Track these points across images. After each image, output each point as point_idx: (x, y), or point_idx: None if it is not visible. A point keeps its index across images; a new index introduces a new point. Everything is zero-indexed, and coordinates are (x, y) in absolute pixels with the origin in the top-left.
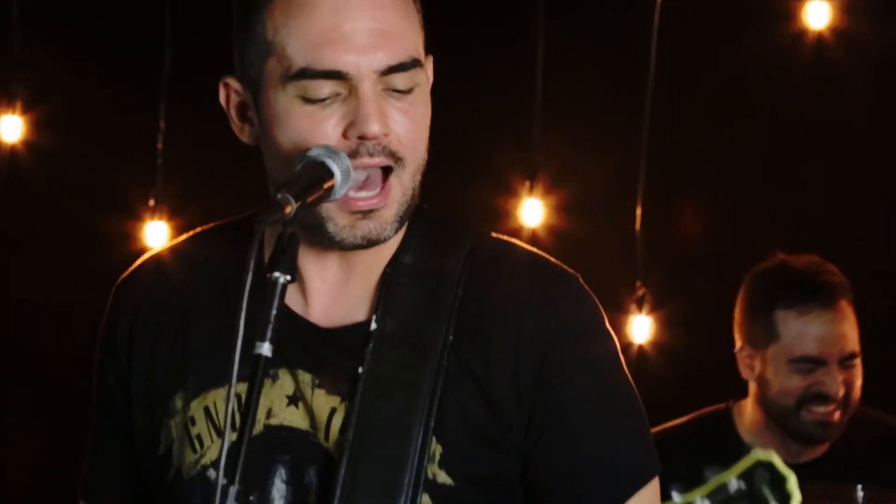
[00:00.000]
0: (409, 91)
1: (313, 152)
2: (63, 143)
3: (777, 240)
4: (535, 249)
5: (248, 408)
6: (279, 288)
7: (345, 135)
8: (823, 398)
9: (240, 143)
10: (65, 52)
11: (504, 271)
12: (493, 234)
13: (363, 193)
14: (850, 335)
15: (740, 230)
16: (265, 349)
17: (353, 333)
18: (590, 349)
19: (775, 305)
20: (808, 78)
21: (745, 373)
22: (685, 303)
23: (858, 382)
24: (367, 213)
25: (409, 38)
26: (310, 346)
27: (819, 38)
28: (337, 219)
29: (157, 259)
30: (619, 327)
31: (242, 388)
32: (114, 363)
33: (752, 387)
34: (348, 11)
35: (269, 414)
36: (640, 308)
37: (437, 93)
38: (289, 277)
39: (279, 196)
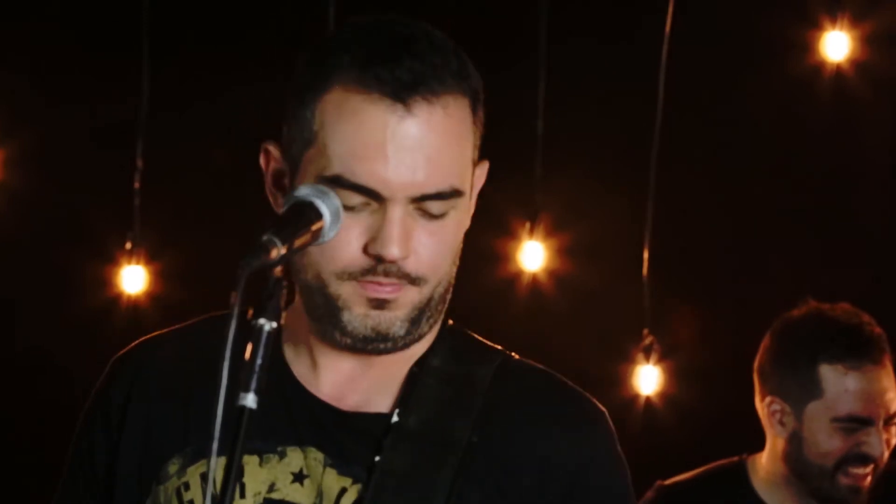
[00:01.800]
0: (441, 216)
1: (301, 192)
2: (34, 182)
3: (795, 286)
4: (562, 378)
5: (231, 460)
6: (265, 336)
7: (365, 249)
8: (864, 459)
9: (221, 182)
10: (36, 86)
11: (536, 393)
12: (519, 357)
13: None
14: (894, 393)
15: (756, 275)
16: (249, 400)
17: (372, 422)
18: (612, 489)
19: (819, 359)
20: (827, 114)
21: (773, 429)
22: (696, 352)
23: (891, 447)
24: (381, 303)
25: (455, 167)
26: (324, 426)
27: (838, 70)
28: (354, 307)
29: (161, 335)
30: (625, 378)
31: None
32: (103, 431)
33: (779, 443)
34: (396, 133)
35: (271, 488)
36: (647, 358)
37: None
38: (274, 324)
39: (264, 239)
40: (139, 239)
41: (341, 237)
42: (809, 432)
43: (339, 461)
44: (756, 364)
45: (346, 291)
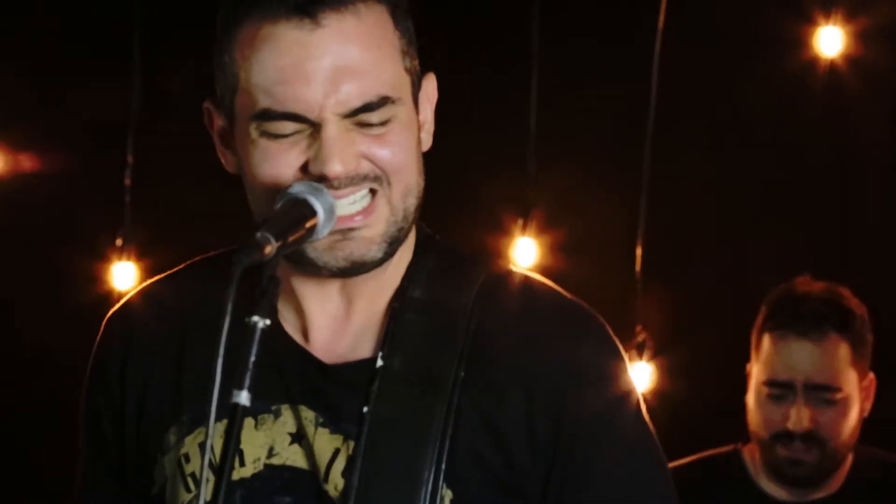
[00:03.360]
0: (383, 123)
1: (295, 189)
2: (24, 177)
3: (785, 281)
4: (552, 284)
5: (224, 457)
6: (258, 333)
7: (305, 168)
8: (789, 436)
9: (213, 179)
10: (27, 82)
11: (519, 308)
12: (507, 266)
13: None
14: (829, 367)
15: (749, 271)
16: (242, 398)
17: (358, 370)
18: (609, 399)
19: (765, 326)
20: (821, 109)
21: (747, 397)
22: (689, 349)
23: (840, 424)
24: (346, 233)
25: (380, 74)
26: (313, 382)
27: (832, 66)
28: (315, 241)
29: (150, 290)
30: None
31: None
32: (107, 400)
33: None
34: (309, 48)
35: (270, 452)
36: (640, 355)
37: None
38: (268, 322)
39: (258, 236)
40: (130, 236)
41: (281, 163)
42: (752, 396)
43: (330, 419)
44: None
45: None
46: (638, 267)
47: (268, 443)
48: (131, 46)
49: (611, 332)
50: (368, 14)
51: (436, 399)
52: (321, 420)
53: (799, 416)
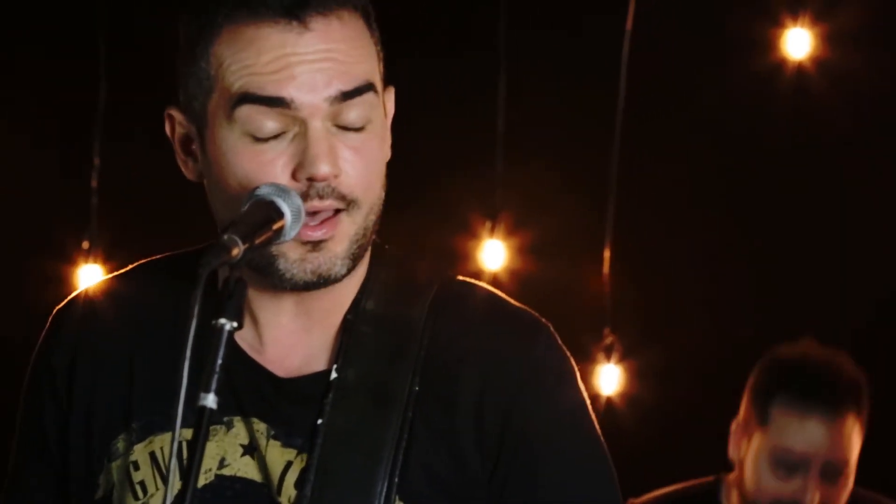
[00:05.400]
0: (361, 128)
1: (261, 191)
2: None
3: (758, 285)
4: (502, 295)
5: (191, 461)
6: (225, 336)
7: (294, 176)
8: None
9: (180, 181)
10: None
11: (470, 320)
12: (460, 278)
13: (313, 223)
14: (845, 447)
15: (716, 273)
16: (209, 401)
17: (313, 383)
18: (557, 403)
19: (777, 394)
20: (788, 111)
21: (731, 451)
22: (657, 352)
23: (843, 495)
24: (316, 245)
25: (362, 66)
26: (265, 395)
27: (799, 68)
28: (288, 253)
29: (100, 290)
30: (585, 377)
31: (189, 433)
32: (51, 399)
33: (736, 468)
34: (297, 46)
35: (221, 463)
36: (608, 357)
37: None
38: (235, 324)
39: (225, 238)
40: (96, 238)
41: (267, 172)
42: (751, 463)
43: (282, 432)
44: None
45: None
46: (606, 269)
47: (219, 454)
48: (97, 48)
49: (559, 341)
50: (350, 20)
51: (390, 412)
52: (273, 433)
53: (813, 496)
